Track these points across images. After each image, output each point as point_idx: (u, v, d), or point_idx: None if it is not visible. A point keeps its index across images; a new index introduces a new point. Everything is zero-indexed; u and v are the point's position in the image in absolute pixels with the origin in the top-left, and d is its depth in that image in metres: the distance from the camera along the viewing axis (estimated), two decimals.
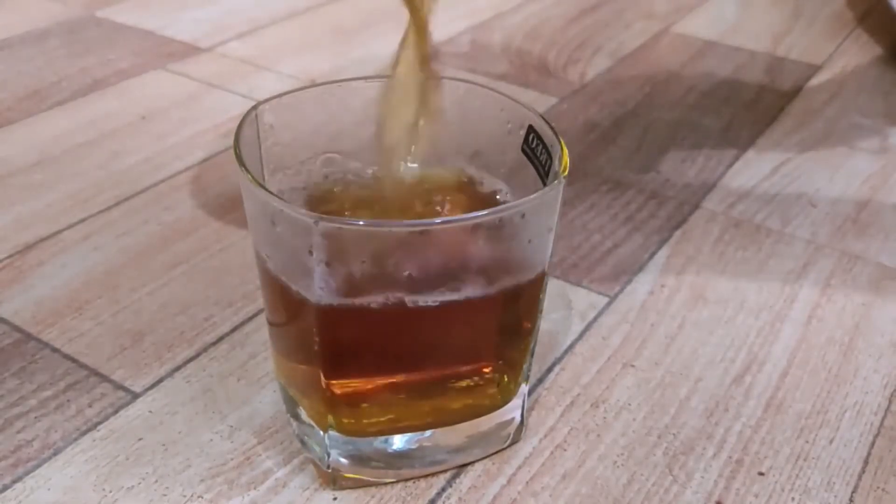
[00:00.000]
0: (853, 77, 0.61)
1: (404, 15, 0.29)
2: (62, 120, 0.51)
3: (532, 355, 0.30)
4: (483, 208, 0.25)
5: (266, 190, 0.25)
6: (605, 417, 0.33)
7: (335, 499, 0.29)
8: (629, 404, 0.33)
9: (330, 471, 0.29)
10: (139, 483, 0.29)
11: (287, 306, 0.28)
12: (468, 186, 0.30)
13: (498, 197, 0.30)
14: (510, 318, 0.28)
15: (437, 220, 0.27)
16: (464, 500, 0.29)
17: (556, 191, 0.26)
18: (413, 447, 0.29)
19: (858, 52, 0.64)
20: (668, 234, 0.43)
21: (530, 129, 0.29)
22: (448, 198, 0.30)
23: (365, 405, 0.29)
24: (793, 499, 0.30)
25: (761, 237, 0.43)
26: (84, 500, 0.29)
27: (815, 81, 0.60)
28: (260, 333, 0.36)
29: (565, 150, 0.27)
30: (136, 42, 0.62)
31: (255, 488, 0.29)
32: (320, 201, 0.30)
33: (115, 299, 0.37)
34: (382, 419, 0.29)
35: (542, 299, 0.29)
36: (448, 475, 0.30)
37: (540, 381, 0.34)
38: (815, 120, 0.55)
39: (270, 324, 0.30)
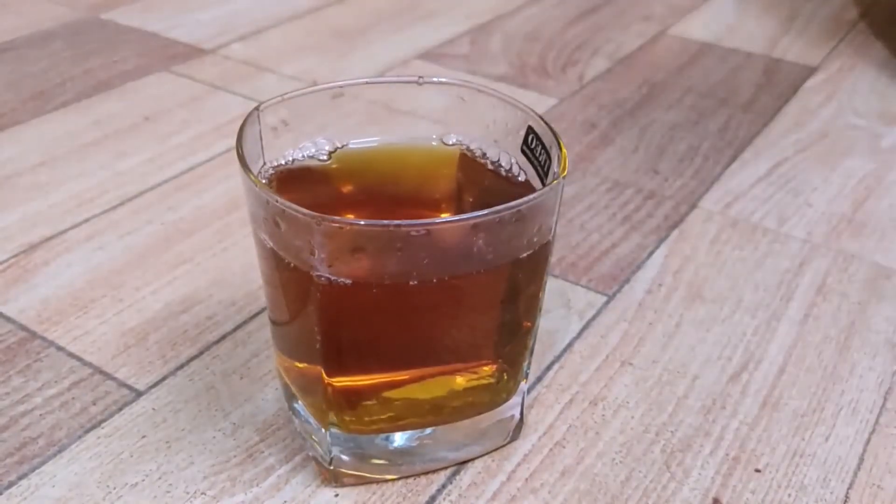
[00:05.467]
0: (849, 78, 0.61)
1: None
2: (67, 121, 0.52)
3: (531, 353, 0.31)
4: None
5: (268, 190, 0.26)
6: (603, 415, 0.33)
7: (337, 495, 0.29)
8: (627, 402, 0.33)
9: (331, 468, 0.29)
10: (143, 480, 0.30)
11: (289, 304, 0.28)
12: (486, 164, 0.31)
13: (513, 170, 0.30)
14: (510, 317, 0.29)
15: (438, 220, 0.28)
16: (464, 497, 0.29)
17: (555, 191, 0.26)
18: (414, 444, 0.30)
19: (854, 53, 0.65)
20: (666, 234, 0.43)
21: (529, 129, 0.29)
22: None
23: (366, 403, 0.29)
24: (789, 495, 0.30)
25: (758, 237, 0.43)
26: (88, 496, 0.29)
27: (811, 83, 0.60)
28: (262, 332, 0.36)
29: (564, 151, 0.27)
30: (140, 44, 0.62)
31: (257, 485, 0.30)
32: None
33: (119, 298, 0.38)
34: (383, 417, 0.29)
35: (542, 298, 0.29)
36: (448, 472, 0.30)
37: (539, 379, 0.34)
38: (812, 121, 0.55)
39: (272, 322, 0.31)
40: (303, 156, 0.31)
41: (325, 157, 0.31)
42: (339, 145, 0.31)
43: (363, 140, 0.32)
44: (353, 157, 0.31)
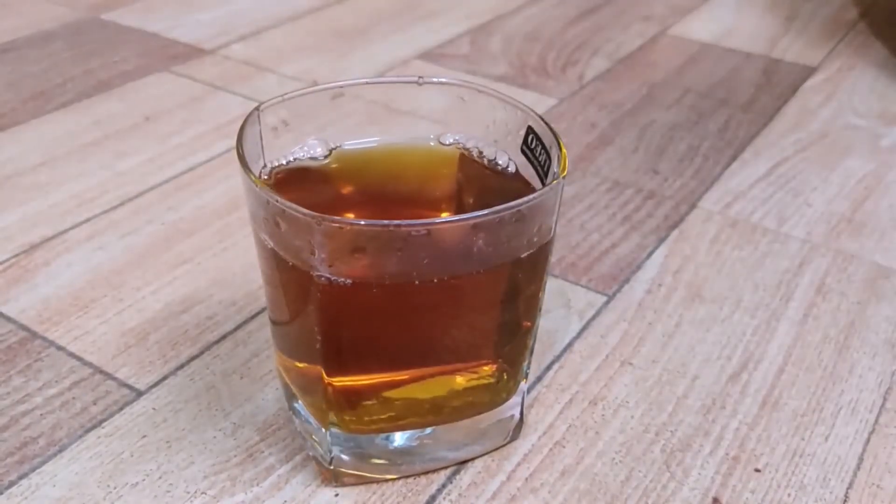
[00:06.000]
0: (848, 79, 0.61)
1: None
2: (67, 121, 0.52)
3: (531, 353, 0.31)
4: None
5: (268, 190, 0.26)
6: (603, 415, 0.33)
7: (337, 495, 0.29)
8: (627, 402, 0.33)
9: (331, 467, 0.29)
10: (143, 479, 0.30)
11: (289, 304, 0.28)
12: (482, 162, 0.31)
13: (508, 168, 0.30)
14: (510, 317, 0.29)
15: (438, 220, 0.28)
16: (464, 497, 0.30)
17: (555, 191, 0.26)
18: (414, 444, 0.30)
19: (853, 54, 0.65)
20: (666, 234, 0.43)
21: (529, 129, 0.29)
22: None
23: (366, 403, 0.29)
24: (789, 495, 0.30)
25: (757, 237, 0.44)
26: (89, 496, 0.29)
27: (810, 83, 0.60)
28: (262, 332, 0.36)
29: (564, 151, 0.27)
30: (141, 44, 0.62)
31: (257, 485, 0.30)
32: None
33: (120, 298, 0.38)
34: (383, 416, 0.29)
35: (542, 298, 0.29)
36: (448, 472, 0.30)
37: (539, 378, 0.34)
38: (811, 121, 0.55)
39: (273, 322, 0.31)
40: (303, 156, 0.31)
41: (324, 158, 0.31)
42: (339, 145, 0.31)
43: (363, 140, 0.32)
44: (353, 158, 0.31)
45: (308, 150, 0.31)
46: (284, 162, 0.30)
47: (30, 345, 0.35)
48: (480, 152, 0.31)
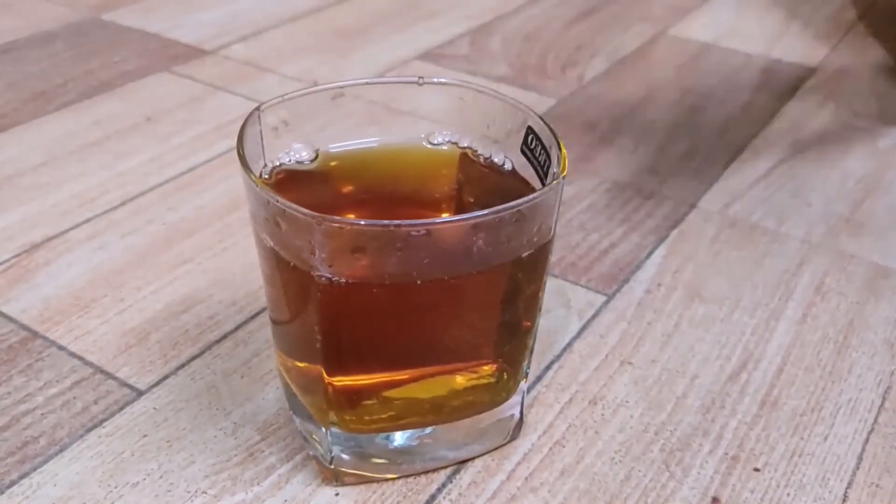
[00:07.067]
0: (847, 79, 0.61)
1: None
2: (68, 121, 0.52)
3: (531, 353, 0.31)
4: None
5: (268, 190, 0.26)
6: (602, 414, 0.33)
7: (337, 494, 0.29)
8: (626, 401, 0.34)
9: (332, 467, 0.29)
10: (144, 479, 0.30)
11: (289, 304, 0.28)
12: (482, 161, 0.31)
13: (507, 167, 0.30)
14: (510, 317, 0.29)
15: (438, 220, 0.28)
16: (464, 496, 0.30)
17: (555, 191, 0.26)
18: (414, 444, 0.30)
19: (852, 54, 0.65)
20: (665, 234, 0.44)
21: (529, 130, 0.29)
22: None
23: (366, 402, 0.29)
24: (788, 494, 0.30)
25: (757, 237, 0.44)
26: (90, 495, 0.29)
27: (809, 83, 0.60)
28: (263, 331, 0.36)
29: (563, 151, 0.27)
30: (141, 44, 0.62)
31: (258, 484, 0.30)
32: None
33: (121, 298, 0.38)
34: (383, 416, 0.29)
35: (542, 298, 0.30)
36: (448, 471, 0.30)
37: (539, 378, 0.35)
38: (810, 121, 0.55)
39: (273, 322, 0.31)
40: (303, 156, 0.31)
41: (325, 158, 0.31)
42: (339, 146, 0.31)
43: (363, 140, 0.32)
44: (353, 158, 0.31)
45: (308, 149, 0.31)
46: (285, 162, 0.30)
47: (31, 344, 0.35)
48: (475, 151, 0.31)
